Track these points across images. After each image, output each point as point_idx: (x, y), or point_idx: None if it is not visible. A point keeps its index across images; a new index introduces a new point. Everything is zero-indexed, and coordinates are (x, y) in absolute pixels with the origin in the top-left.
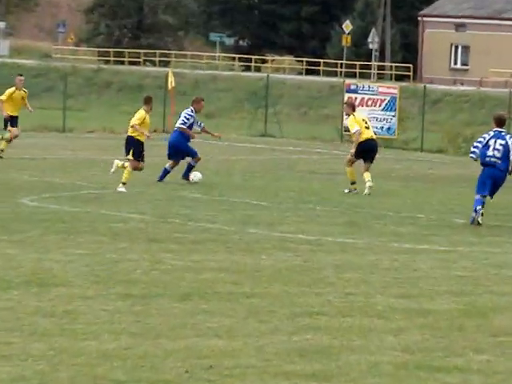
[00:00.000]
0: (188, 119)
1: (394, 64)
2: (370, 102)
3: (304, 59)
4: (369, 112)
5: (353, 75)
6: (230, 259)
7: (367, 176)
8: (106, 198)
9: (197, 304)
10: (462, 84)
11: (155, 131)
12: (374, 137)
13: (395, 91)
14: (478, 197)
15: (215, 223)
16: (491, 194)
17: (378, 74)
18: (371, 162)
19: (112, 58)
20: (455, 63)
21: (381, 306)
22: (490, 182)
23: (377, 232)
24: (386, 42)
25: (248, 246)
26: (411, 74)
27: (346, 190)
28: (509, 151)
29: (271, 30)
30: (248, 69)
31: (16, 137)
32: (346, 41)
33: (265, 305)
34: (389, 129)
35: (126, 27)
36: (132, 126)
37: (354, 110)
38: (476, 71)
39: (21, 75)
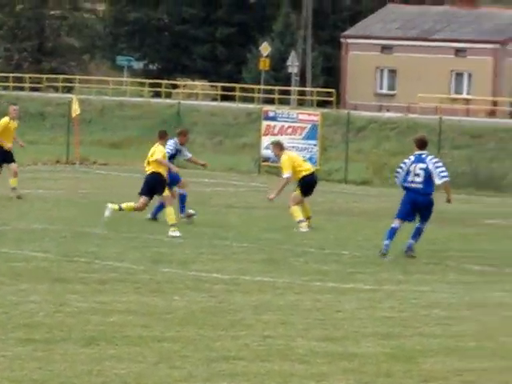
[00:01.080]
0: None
1: (315, 89)
2: (289, 130)
3: (219, 84)
4: (288, 141)
5: (271, 101)
6: (140, 300)
7: (309, 210)
8: (7, 236)
9: (104, 349)
10: (389, 110)
11: (58, 162)
12: (313, 169)
13: (317, 118)
14: (394, 224)
15: (123, 262)
16: (422, 220)
17: (298, 99)
18: (310, 195)
19: (11, 84)
20: (381, 88)
21: (302, 349)
22: (411, 207)
23: (298, 270)
24: (306, 65)
25: (159, 286)
26: (334, 99)
27: (304, 230)
28: (430, 174)
29: (183, 52)
30: (158, 95)
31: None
32: (264, 64)
33: (177, 349)
34: (310, 159)
35: (26, 50)
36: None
37: (282, 149)
38: (403, 96)
39: (15, 104)
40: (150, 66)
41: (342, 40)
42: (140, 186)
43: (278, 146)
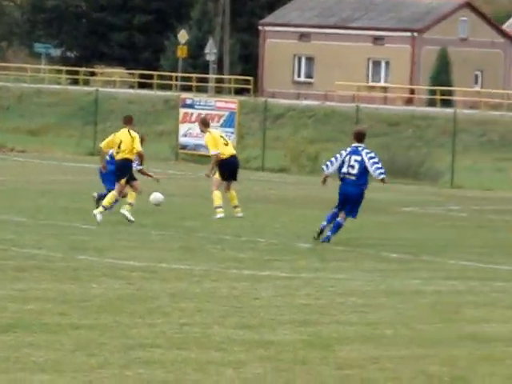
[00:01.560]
0: None
1: (232, 77)
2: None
3: (136, 71)
4: None
5: (189, 89)
6: (57, 288)
7: (234, 198)
8: None
9: (21, 336)
10: (306, 98)
11: None
12: (234, 152)
13: (234, 106)
14: (332, 211)
15: (41, 249)
16: (350, 212)
17: (216, 87)
18: (235, 180)
19: None
20: (299, 76)
21: (219, 337)
22: (342, 198)
23: (214, 258)
24: (224, 52)
25: (76, 273)
26: (251, 87)
27: (219, 216)
28: (365, 167)
29: (101, 40)
30: (76, 82)
31: None
32: (182, 52)
33: (94, 337)
34: None
35: None
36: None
37: (207, 126)
38: (321, 84)
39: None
40: (68, 54)
41: (260, 27)
42: (56, 172)
43: (202, 123)
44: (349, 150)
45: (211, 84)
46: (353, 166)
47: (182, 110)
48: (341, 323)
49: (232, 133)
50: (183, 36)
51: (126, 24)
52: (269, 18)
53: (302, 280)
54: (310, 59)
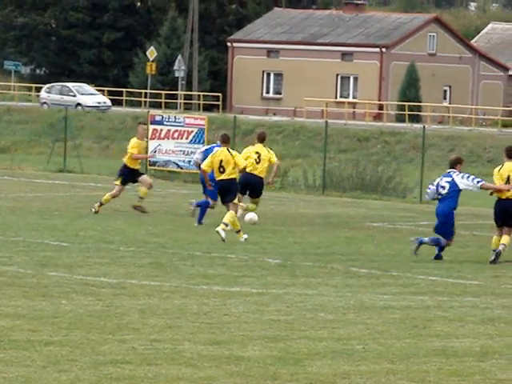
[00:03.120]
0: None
1: (201, 93)
2: (176, 134)
3: (105, 88)
4: (175, 145)
5: (158, 105)
6: (27, 304)
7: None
8: None
9: None
10: (275, 114)
11: None
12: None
13: (203, 122)
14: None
15: (11, 266)
16: None
17: (184, 103)
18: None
19: None
20: (267, 92)
21: (189, 353)
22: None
23: (184, 274)
24: (193, 69)
25: (46, 290)
26: (220, 103)
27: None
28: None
29: (70, 57)
30: None
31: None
32: (151, 68)
33: (65, 353)
34: None
35: None
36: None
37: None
38: (290, 100)
39: (144, 123)
40: (38, 71)
41: (229, 44)
42: (26, 189)
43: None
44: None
45: (180, 100)
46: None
47: (152, 127)
48: (311, 339)
49: None
50: (152, 53)
51: (95, 41)
52: (237, 35)
53: (272, 296)
54: (278, 75)
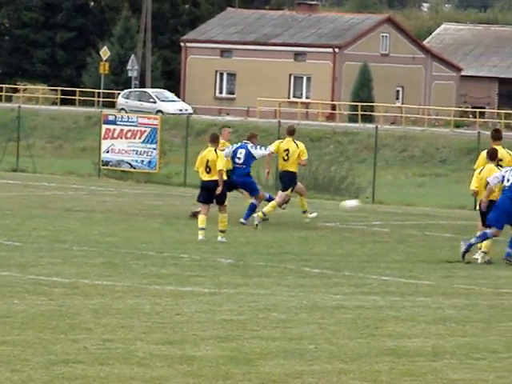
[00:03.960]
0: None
1: None
2: (129, 134)
3: (59, 88)
4: (128, 144)
5: (111, 105)
6: None
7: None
8: None
9: None
10: (228, 114)
11: None
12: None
13: (156, 122)
14: None
15: None
16: None
17: None
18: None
19: None
20: (220, 92)
21: (141, 352)
22: None
23: (137, 274)
24: (146, 69)
25: None
26: None
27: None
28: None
29: (23, 56)
30: None
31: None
32: (104, 68)
33: (17, 353)
34: (150, 162)
35: None
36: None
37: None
38: (243, 100)
39: (228, 127)
40: None
41: (182, 44)
42: None
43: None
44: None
45: None
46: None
47: (104, 126)
48: (263, 338)
49: (154, 149)
50: (105, 52)
51: (48, 41)
52: (190, 35)
53: (225, 296)
54: (231, 75)
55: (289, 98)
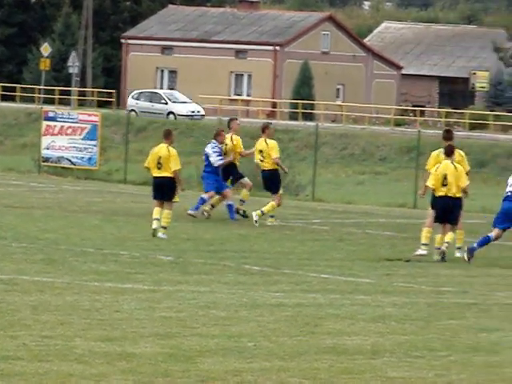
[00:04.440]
0: (219, 152)
1: (95, 90)
2: (69, 131)
3: None
4: (69, 141)
5: (52, 101)
6: None
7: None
8: None
9: None
10: None
11: None
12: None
13: (97, 119)
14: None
15: None
16: None
17: (78, 100)
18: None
19: None
20: (161, 88)
21: (80, 349)
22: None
23: (77, 270)
24: (87, 66)
25: None
26: (114, 100)
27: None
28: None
29: None
30: None
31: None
32: (45, 65)
33: None
34: (90, 159)
35: None
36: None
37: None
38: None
39: (236, 118)
40: None
41: (123, 41)
42: None
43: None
44: None
45: (74, 97)
46: None
47: (45, 123)
48: (203, 336)
49: (95, 145)
50: (46, 49)
51: None
52: (131, 32)
53: (164, 293)
54: (172, 72)
55: (230, 95)
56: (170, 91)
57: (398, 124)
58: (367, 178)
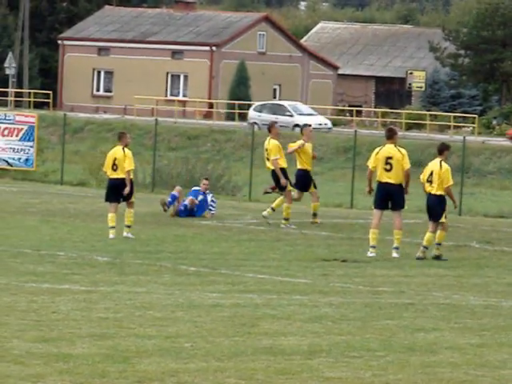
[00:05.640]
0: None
1: (32, 91)
2: (6, 132)
3: None
4: (5, 142)
5: None
6: None
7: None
8: None
9: None
10: (106, 112)
11: None
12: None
13: (33, 120)
14: None
15: None
16: None
17: (15, 101)
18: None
19: None
20: (98, 89)
21: (17, 350)
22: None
23: (13, 271)
24: (23, 67)
25: None
26: (51, 101)
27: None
28: None
29: None
30: None
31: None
32: None
33: None
34: (27, 160)
35: None
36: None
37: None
38: (120, 98)
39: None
40: None
41: (59, 42)
42: None
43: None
44: None
45: (10, 98)
46: None
47: None
48: (139, 336)
49: (31, 146)
50: None
51: None
52: (68, 33)
53: (101, 293)
54: (109, 73)
55: (166, 96)
56: (293, 103)
57: (334, 124)
58: None
